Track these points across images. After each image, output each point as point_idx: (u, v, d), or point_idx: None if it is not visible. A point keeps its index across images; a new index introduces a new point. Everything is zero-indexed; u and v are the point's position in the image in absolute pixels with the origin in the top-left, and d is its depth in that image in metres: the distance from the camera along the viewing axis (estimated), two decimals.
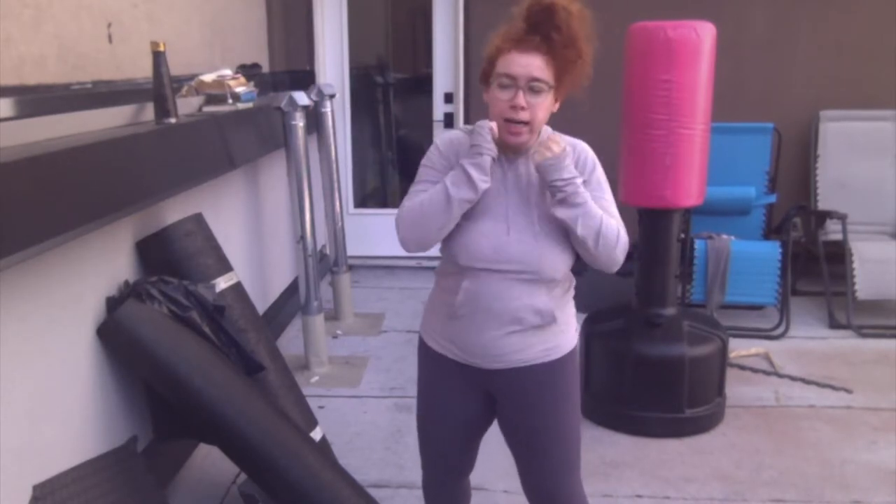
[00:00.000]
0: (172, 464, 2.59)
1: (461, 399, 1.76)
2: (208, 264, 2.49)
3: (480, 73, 1.62)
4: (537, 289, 1.61)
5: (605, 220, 1.56)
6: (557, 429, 1.71)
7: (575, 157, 1.62)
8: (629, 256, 1.72)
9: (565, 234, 1.60)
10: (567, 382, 1.72)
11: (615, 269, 1.63)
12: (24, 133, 1.88)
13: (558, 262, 1.61)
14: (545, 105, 1.55)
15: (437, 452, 1.87)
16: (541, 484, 1.76)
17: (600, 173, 1.66)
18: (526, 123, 1.54)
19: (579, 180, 1.55)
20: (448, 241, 1.63)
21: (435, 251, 1.70)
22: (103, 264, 2.18)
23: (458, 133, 1.70)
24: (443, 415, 1.80)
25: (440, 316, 1.72)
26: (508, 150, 1.62)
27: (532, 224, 1.60)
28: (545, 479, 1.75)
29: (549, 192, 1.57)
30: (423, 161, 1.70)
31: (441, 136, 1.73)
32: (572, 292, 1.74)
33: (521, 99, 1.51)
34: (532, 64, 1.51)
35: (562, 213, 1.55)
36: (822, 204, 4.42)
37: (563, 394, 1.71)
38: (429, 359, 1.78)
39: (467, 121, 4.80)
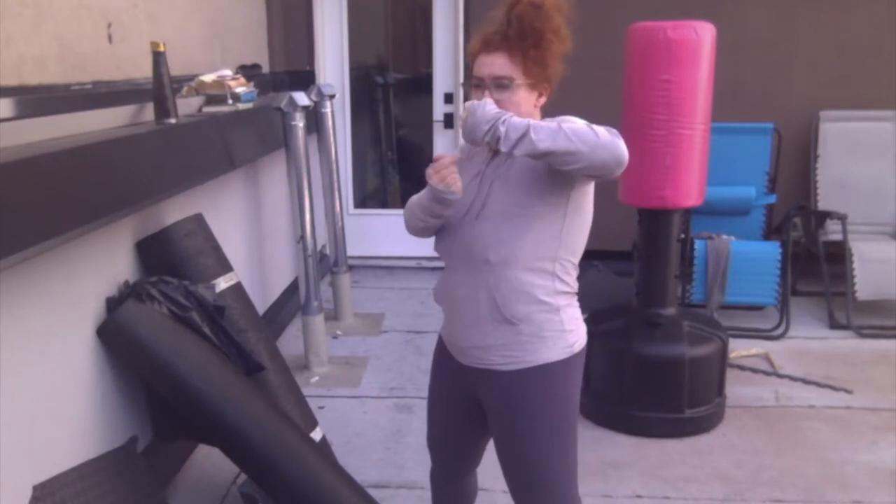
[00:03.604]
0: (172, 464, 2.59)
1: (454, 388, 1.79)
2: (208, 264, 2.49)
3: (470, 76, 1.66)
4: (485, 271, 1.59)
5: (562, 124, 1.43)
6: (521, 446, 1.65)
7: None
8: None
9: (523, 215, 1.55)
10: (538, 399, 1.62)
11: (621, 155, 1.43)
12: (24, 133, 1.88)
13: (491, 239, 1.56)
14: (516, 100, 1.56)
15: (438, 439, 1.90)
16: (514, 497, 1.74)
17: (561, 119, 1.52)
18: None
19: (507, 115, 1.46)
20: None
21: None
22: (103, 264, 2.18)
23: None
24: (440, 400, 1.86)
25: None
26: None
27: (482, 205, 1.60)
28: (515, 495, 1.73)
29: (498, 150, 1.47)
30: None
31: None
32: (557, 306, 1.62)
33: (488, 97, 1.55)
34: (494, 63, 1.56)
35: (520, 150, 1.43)
36: (822, 204, 4.42)
37: (530, 410, 1.62)
38: (439, 344, 1.83)
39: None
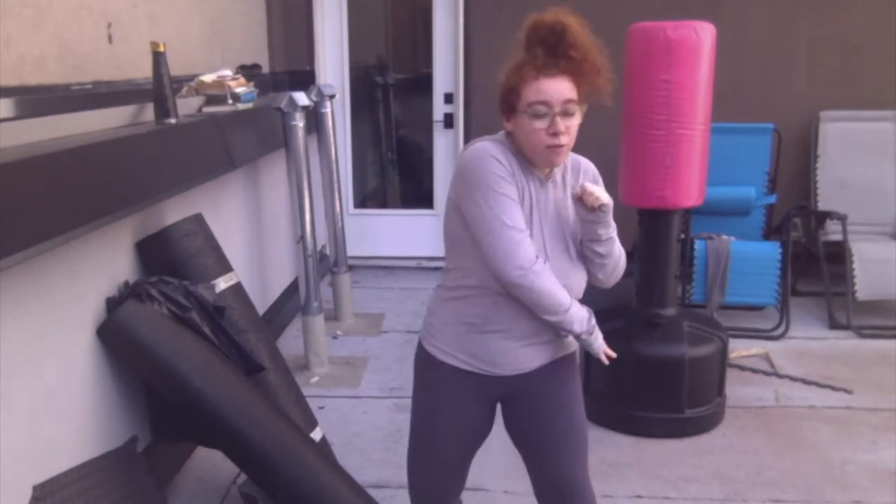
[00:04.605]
0: (172, 464, 2.59)
1: (470, 408, 1.74)
2: (208, 264, 2.49)
3: (501, 104, 1.59)
4: None
5: (622, 251, 1.68)
6: (571, 420, 1.76)
7: (590, 180, 1.69)
8: (629, 256, 1.75)
9: (578, 258, 1.68)
10: (574, 378, 1.78)
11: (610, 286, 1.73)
12: (25, 133, 1.88)
13: (584, 282, 1.70)
14: (576, 125, 1.58)
15: (441, 466, 1.81)
16: (556, 477, 1.75)
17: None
18: (565, 146, 1.56)
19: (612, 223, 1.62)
20: (476, 262, 1.58)
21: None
22: (103, 264, 2.18)
23: (494, 146, 1.59)
24: (452, 425, 1.75)
25: (457, 329, 1.67)
26: (539, 172, 1.62)
27: (567, 248, 1.65)
28: (560, 471, 1.75)
29: (588, 233, 1.62)
30: (493, 172, 1.54)
31: (484, 149, 1.57)
32: None
33: (560, 124, 1.52)
34: (563, 87, 1.52)
35: (601, 248, 1.63)
36: (822, 204, 4.42)
37: (571, 388, 1.77)
38: (434, 370, 1.72)
39: (467, 121, 4.81)
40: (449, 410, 1.74)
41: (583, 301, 1.73)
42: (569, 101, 1.52)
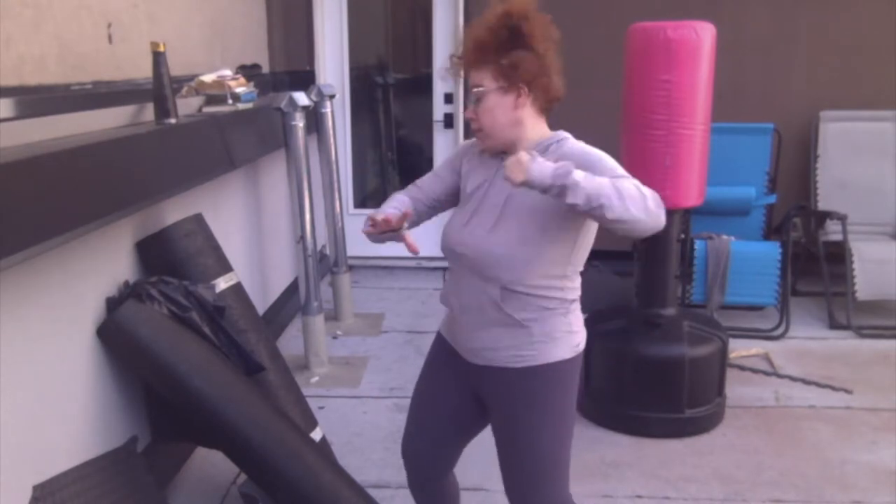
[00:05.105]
0: (172, 464, 2.58)
1: (455, 387, 1.80)
2: (208, 264, 2.49)
3: None
4: (494, 286, 1.60)
5: (614, 182, 1.41)
6: (528, 438, 1.69)
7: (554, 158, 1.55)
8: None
9: (538, 240, 1.56)
10: (546, 394, 1.66)
11: (662, 223, 1.45)
12: (24, 133, 1.88)
13: (504, 261, 1.57)
14: (489, 108, 1.60)
15: (423, 440, 1.88)
16: (512, 492, 1.75)
17: (593, 158, 1.55)
18: (480, 130, 1.65)
19: (567, 165, 1.41)
20: None
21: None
22: (103, 264, 2.17)
23: (472, 140, 1.80)
24: (435, 399, 1.85)
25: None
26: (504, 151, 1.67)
27: (491, 225, 1.59)
28: (515, 488, 1.74)
29: (556, 199, 1.44)
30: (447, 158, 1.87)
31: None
32: (567, 309, 1.66)
33: (469, 111, 1.64)
34: (474, 78, 1.62)
35: (572, 199, 1.39)
36: (822, 204, 4.42)
37: (538, 404, 1.66)
38: (437, 343, 1.86)
39: (467, 121, 4.80)
40: (432, 376, 1.86)
41: (584, 300, 1.72)
42: (475, 87, 1.61)
